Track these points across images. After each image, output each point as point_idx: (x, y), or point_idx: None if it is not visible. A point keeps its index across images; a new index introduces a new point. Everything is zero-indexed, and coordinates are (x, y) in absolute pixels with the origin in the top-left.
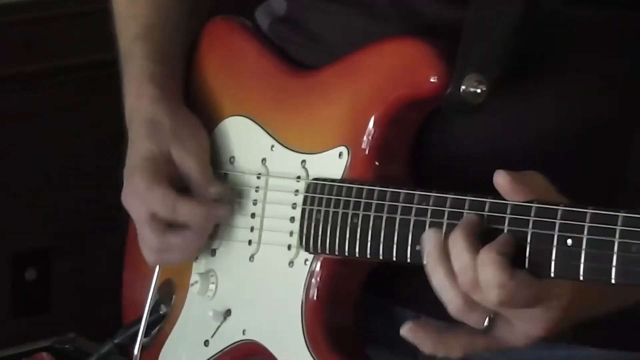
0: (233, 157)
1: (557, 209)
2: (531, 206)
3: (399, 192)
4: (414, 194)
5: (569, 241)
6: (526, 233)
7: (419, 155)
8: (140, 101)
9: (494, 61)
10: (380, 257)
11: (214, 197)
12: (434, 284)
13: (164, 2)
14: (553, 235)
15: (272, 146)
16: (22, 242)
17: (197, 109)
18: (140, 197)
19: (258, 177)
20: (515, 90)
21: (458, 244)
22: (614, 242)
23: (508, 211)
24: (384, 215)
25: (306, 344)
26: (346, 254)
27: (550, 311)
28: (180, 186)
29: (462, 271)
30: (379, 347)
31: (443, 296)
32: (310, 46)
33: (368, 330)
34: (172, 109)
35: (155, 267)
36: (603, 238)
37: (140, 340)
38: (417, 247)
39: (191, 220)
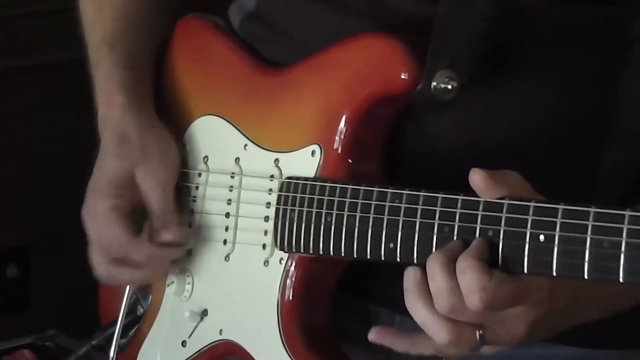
0: (207, 157)
1: (529, 206)
2: (503, 203)
3: (372, 190)
4: (386, 191)
5: (542, 237)
6: (499, 230)
7: (393, 152)
8: (110, 111)
9: (465, 57)
10: (355, 256)
11: (168, 239)
12: (417, 320)
13: (131, 5)
14: (525, 232)
15: (246, 145)
16: (2, 239)
17: (170, 108)
18: (97, 224)
19: (232, 177)
20: (488, 87)
21: (434, 267)
22: (586, 238)
23: (480, 208)
24: (357, 214)
25: (283, 343)
26: (320, 252)
27: (531, 309)
28: (142, 209)
29: (438, 295)
30: (353, 346)
31: (428, 330)
32: (280, 42)
33: (343, 328)
34: (142, 122)
35: None
36: (575, 234)
37: (116, 342)
38: (391, 245)
39: (143, 262)
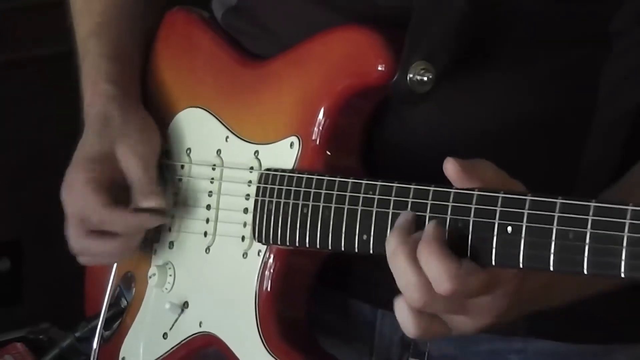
0: (189, 149)
1: (498, 196)
2: (473, 194)
3: (347, 182)
4: (361, 183)
5: (509, 229)
6: (468, 221)
7: (372, 144)
8: (95, 97)
9: (442, 50)
10: (329, 247)
11: (149, 206)
12: (394, 268)
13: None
14: (494, 224)
15: (227, 137)
16: None
17: (156, 100)
18: (74, 197)
19: (213, 169)
20: (467, 79)
21: (400, 261)
22: (552, 229)
23: (451, 199)
24: (333, 206)
25: (259, 335)
26: (297, 244)
27: (499, 299)
28: (123, 186)
29: (407, 288)
30: (335, 340)
31: (401, 282)
32: (261, 36)
33: (325, 323)
34: (125, 106)
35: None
36: (542, 225)
37: (99, 335)
38: (364, 237)
39: (121, 230)
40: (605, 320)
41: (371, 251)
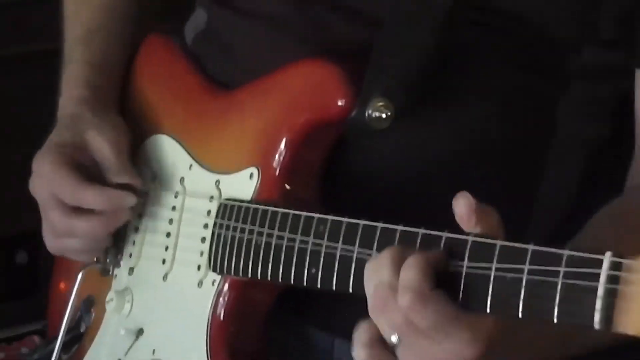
0: (155, 176)
1: (442, 236)
2: (418, 232)
3: (300, 215)
4: (313, 217)
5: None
6: None
7: (334, 175)
8: (72, 100)
9: (401, 87)
10: (280, 280)
11: (125, 182)
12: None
13: (109, 7)
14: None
15: (191, 165)
16: (12, 225)
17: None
18: (45, 181)
19: (175, 197)
20: (425, 111)
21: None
22: (490, 274)
23: (396, 239)
24: (285, 238)
25: None
26: (249, 275)
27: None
28: (94, 174)
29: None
30: None
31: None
32: (224, 59)
33: (284, 347)
34: (97, 109)
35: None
36: (483, 263)
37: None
38: (313, 271)
39: (94, 205)
40: None
41: (319, 285)
